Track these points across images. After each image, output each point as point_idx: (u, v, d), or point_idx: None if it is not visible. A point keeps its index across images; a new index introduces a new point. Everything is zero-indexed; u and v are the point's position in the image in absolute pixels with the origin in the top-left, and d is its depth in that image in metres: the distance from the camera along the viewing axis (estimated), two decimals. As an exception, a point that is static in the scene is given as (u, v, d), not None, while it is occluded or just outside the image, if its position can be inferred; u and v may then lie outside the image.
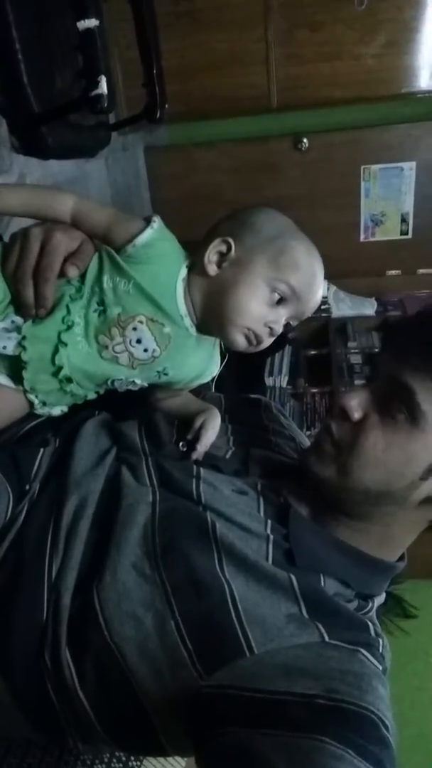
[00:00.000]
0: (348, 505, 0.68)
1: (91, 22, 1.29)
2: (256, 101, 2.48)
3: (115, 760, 0.82)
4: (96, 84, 1.33)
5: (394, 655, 0.66)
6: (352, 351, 2.87)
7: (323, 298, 0.79)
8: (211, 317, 0.70)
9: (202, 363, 0.76)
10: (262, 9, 2.33)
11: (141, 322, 0.68)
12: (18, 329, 0.66)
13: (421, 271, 2.93)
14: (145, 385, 0.74)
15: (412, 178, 2.77)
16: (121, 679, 0.58)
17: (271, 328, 0.70)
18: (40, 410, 0.71)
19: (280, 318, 0.70)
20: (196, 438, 0.77)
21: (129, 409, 0.83)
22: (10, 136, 1.57)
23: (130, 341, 0.68)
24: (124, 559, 0.61)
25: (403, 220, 2.86)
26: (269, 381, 2.74)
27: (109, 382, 0.71)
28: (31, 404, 0.70)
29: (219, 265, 0.70)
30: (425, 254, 2.88)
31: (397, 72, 2.41)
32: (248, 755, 0.48)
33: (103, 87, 1.33)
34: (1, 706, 0.62)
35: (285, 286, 0.68)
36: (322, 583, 0.65)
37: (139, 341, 0.68)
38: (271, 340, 0.71)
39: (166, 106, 1.78)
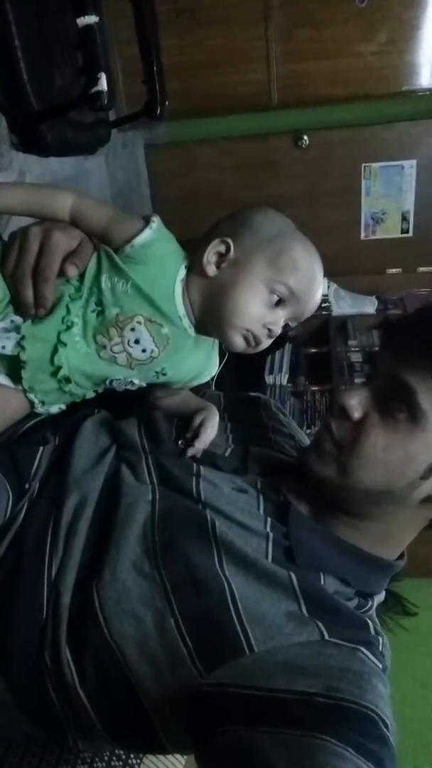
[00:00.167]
0: (348, 504, 0.68)
1: (91, 19, 1.29)
2: (256, 98, 2.48)
3: (115, 759, 0.82)
4: (96, 81, 1.33)
5: (394, 653, 0.66)
6: (353, 349, 2.87)
7: (323, 296, 0.79)
8: (210, 318, 0.70)
9: (201, 363, 0.76)
10: (263, 6, 2.33)
11: (139, 322, 0.67)
12: (17, 329, 0.66)
13: (422, 269, 2.93)
14: (144, 385, 0.73)
15: (412, 176, 2.77)
16: (121, 677, 0.58)
17: (269, 330, 0.70)
18: (39, 409, 0.71)
19: (278, 319, 0.70)
20: (196, 436, 0.77)
21: (128, 408, 0.83)
22: (9, 134, 1.57)
23: (129, 342, 0.68)
24: (124, 557, 0.61)
25: (404, 218, 2.86)
26: (269, 379, 2.74)
27: (107, 382, 0.71)
28: (31, 404, 0.70)
29: (218, 265, 0.69)
30: (426, 252, 2.88)
31: (398, 70, 2.41)
32: (248, 753, 0.48)
33: (103, 84, 1.33)
34: (1, 705, 0.62)
35: (284, 287, 0.68)
36: (322, 582, 0.65)
37: (137, 342, 0.68)
38: (270, 341, 0.71)
39: (166, 103, 1.77)
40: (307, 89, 2.45)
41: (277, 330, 0.70)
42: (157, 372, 0.71)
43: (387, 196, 2.82)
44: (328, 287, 2.95)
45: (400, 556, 0.73)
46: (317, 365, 2.87)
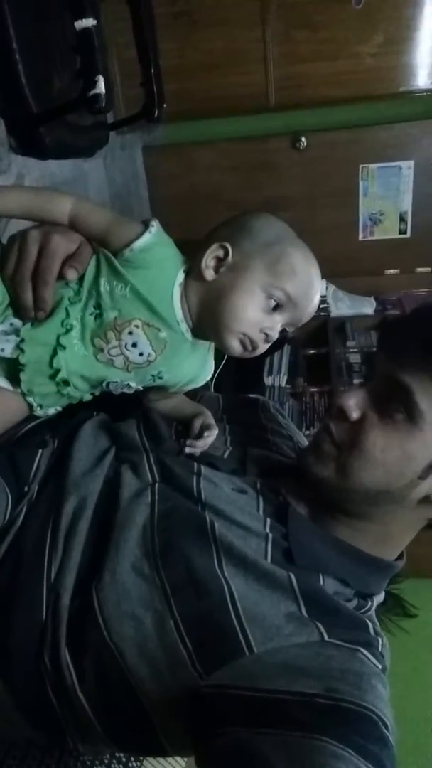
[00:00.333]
0: (347, 505, 0.68)
1: (89, 22, 1.29)
2: (254, 100, 2.48)
3: (114, 761, 0.82)
4: (94, 84, 1.33)
5: (394, 653, 0.66)
6: (351, 350, 2.87)
7: (322, 296, 0.79)
8: (208, 322, 0.70)
9: (197, 368, 0.76)
10: (260, 8, 2.33)
11: (137, 326, 0.68)
12: (16, 332, 0.66)
13: (420, 269, 2.94)
14: (140, 388, 0.74)
15: (410, 177, 2.77)
16: (121, 679, 0.58)
17: (266, 334, 0.70)
18: (38, 412, 0.71)
19: (275, 324, 0.70)
20: (198, 437, 0.77)
21: (126, 410, 0.83)
22: (8, 136, 1.57)
23: (126, 345, 0.68)
24: (124, 559, 0.61)
25: (402, 219, 2.86)
26: (268, 380, 2.74)
27: (104, 385, 0.71)
28: (30, 406, 0.70)
29: (216, 270, 0.70)
30: (424, 253, 2.89)
31: (396, 71, 2.42)
32: (248, 755, 0.48)
33: (101, 87, 1.33)
34: (0, 706, 0.62)
35: (281, 292, 0.68)
36: (321, 582, 0.65)
37: (134, 345, 0.68)
38: (267, 346, 0.72)
39: (164, 105, 1.78)
40: (304, 91, 2.46)
41: (274, 335, 0.71)
42: (153, 375, 0.72)
43: (385, 197, 2.82)
44: (327, 288, 2.95)
45: (400, 557, 0.73)
46: (316, 366, 2.88)
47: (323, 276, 0.73)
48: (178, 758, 0.93)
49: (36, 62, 1.44)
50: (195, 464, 0.72)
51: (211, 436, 0.77)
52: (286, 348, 2.88)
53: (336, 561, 0.67)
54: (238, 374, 2.17)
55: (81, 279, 0.68)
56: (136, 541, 0.62)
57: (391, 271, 2.97)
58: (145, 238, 0.67)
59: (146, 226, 0.68)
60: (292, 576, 0.62)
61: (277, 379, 2.76)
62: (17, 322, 0.67)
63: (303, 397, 2.79)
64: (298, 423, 2.62)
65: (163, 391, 0.78)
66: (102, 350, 0.68)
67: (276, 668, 0.55)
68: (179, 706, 0.56)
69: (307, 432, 2.49)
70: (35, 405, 0.69)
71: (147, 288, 0.67)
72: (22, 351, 0.65)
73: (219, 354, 0.78)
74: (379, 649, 0.62)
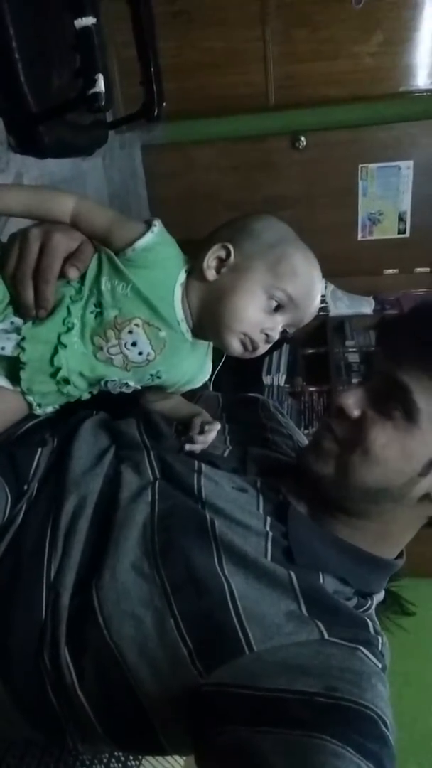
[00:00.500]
0: (347, 503, 0.68)
1: (89, 21, 1.29)
2: (253, 100, 2.48)
3: (114, 760, 0.82)
4: (93, 82, 1.33)
5: (394, 652, 0.66)
6: (350, 350, 2.88)
7: (321, 296, 0.79)
8: (208, 322, 0.70)
9: (195, 368, 0.77)
10: (260, 7, 2.33)
11: (137, 325, 0.68)
12: (17, 330, 0.66)
13: (419, 269, 2.94)
14: (138, 387, 0.74)
15: (409, 177, 2.78)
16: (121, 678, 0.58)
17: (267, 335, 0.70)
18: (38, 411, 0.71)
19: (276, 325, 0.70)
20: (200, 433, 0.77)
21: (125, 409, 0.83)
22: (7, 135, 1.57)
23: (126, 344, 0.68)
24: (124, 558, 0.61)
25: (401, 218, 2.86)
26: (267, 380, 2.75)
27: (102, 383, 0.71)
28: (29, 405, 0.70)
29: (218, 270, 0.70)
30: (422, 253, 2.89)
31: (395, 71, 2.42)
32: (248, 753, 0.48)
33: (101, 85, 1.33)
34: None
35: (282, 293, 0.69)
36: (321, 581, 0.65)
37: (134, 344, 0.68)
38: (267, 346, 0.72)
39: (164, 104, 1.78)
40: (304, 90, 2.46)
41: (275, 336, 0.71)
42: (152, 375, 0.72)
43: (384, 197, 2.82)
44: (326, 288, 2.95)
45: (399, 555, 0.73)
46: (315, 366, 2.88)
47: (322, 275, 0.73)
48: (178, 757, 0.93)
49: (35, 61, 1.44)
50: (195, 462, 0.72)
51: (212, 432, 0.77)
52: (285, 347, 2.88)
53: (336, 560, 0.67)
54: (237, 373, 2.17)
55: (82, 277, 0.68)
56: (136, 540, 0.62)
57: (390, 270, 2.97)
58: (148, 238, 0.67)
59: (149, 225, 0.68)
60: (293, 574, 0.62)
61: (276, 378, 2.76)
62: (18, 320, 0.67)
63: (302, 396, 2.79)
64: (297, 422, 2.62)
65: (161, 391, 0.78)
66: (101, 348, 0.68)
67: (276, 667, 0.55)
68: (179, 705, 0.56)
69: (306, 431, 2.49)
70: (35, 404, 0.69)
71: (148, 287, 0.67)
72: (23, 349, 0.65)
73: (218, 353, 0.78)
74: (379, 648, 0.62)
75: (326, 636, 0.59)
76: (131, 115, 1.87)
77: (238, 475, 0.74)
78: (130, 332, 0.68)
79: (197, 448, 0.76)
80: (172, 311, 0.69)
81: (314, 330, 2.93)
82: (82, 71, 1.37)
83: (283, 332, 0.72)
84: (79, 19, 1.30)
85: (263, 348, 0.72)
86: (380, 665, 0.60)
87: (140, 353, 0.69)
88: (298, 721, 0.50)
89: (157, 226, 0.68)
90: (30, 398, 0.68)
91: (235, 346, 0.70)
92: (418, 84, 2.44)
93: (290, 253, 0.69)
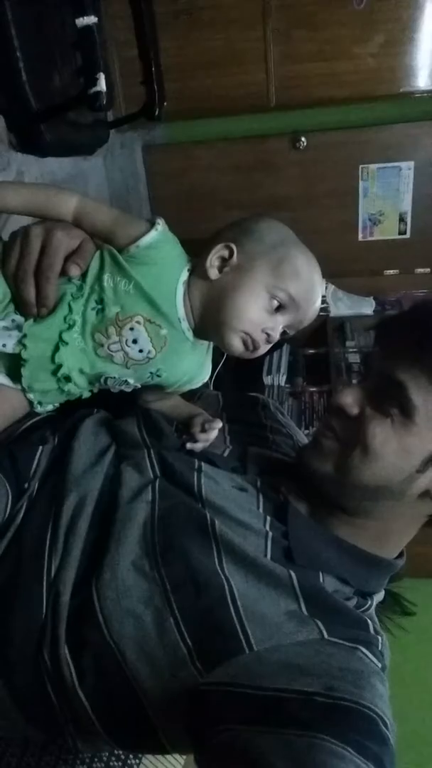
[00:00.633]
0: (346, 501, 0.69)
1: (90, 20, 1.29)
2: (254, 100, 2.48)
3: (114, 759, 0.82)
4: (94, 81, 1.33)
5: (394, 652, 0.66)
6: (351, 350, 2.87)
7: (321, 297, 0.79)
8: (210, 321, 0.71)
9: (195, 368, 0.77)
10: (261, 8, 2.33)
11: (139, 322, 0.68)
12: (19, 327, 0.66)
13: (419, 270, 2.94)
14: (138, 385, 0.74)
15: (410, 178, 2.77)
16: (120, 677, 0.58)
17: (268, 335, 0.70)
18: (38, 409, 0.71)
19: (277, 325, 0.71)
20: (202, 432, 0.77)
21: (125, 409, 0.83)
22: (8, 134, 1.57)
23: (127, 341, 0.68)
24: (124, 557, 0.61)
25: (402, 219, 2.86)
26: (268, 380, 2.74)
27: (102, 380, 0.71)
28: (30, 404, 0.70)
29: (220, 269, 0.70)
30: (423, 253, 2.88)
31: (396, 71, 2.41)
32: (247, 753, 0.48)
33: (102, 84, 1.33)
34: (-1, 704, 0.62)
35: (284, 294, 0.69)
36: (321, 581, 0.65)
37: (135, 341, 0.68)
38: (268, 347, 0.72)
39: (165, 104, 1.78)
40: (305, 91, 2.45)
41: (275, 336, 0.71)
42: (152, 373, 0.72)
43: (384, 198, 2.82)
44: (326, 288, 2.95)
45: (400, 555, 0.73)
46: (315, 366, 2.88)
47: (323, 276, 0.74)
48: (177, 756, 0.93)
49: (37, 60, 1.44)
50: (195, 461, 0.72)
51: (214, 431, 0.77)
52: (286, 347, 2.88)
53: (336, 559, 0.67)
54: (238, 373, 2.17)
55: (83, 275, 0.68)
56: (136, 539, 0.62)
57: (391, 271, 2.97)
58: (152, 235, 0.67)
59: (152, 223, 0.68)
60: (293, 573, 0.62)
61: (277, 378, 2.76)
62: (19, 318, 0.67)
63: (302, 396, 2.79)
64: (297, 422, 2.61)
65: (160, 390, 0.78)
66: (102, 345, 0.68)
67: (275, 666, 0.55)
68: (178, 704, 0.56)
69: (307, 431, 2.49)
70: (35, 402, 0.69)
71: (151, 284, 0.67)
72: (25, 346, 0.65)
73: (218, 353, 0.78)
74: (379, 648, 0.62)
75: (326, 636, 0.59)
76: (132, 115, 1.87)
77: (237, 474, 0.74)
78: (132, 329, 0.68)
79: (198, 446, 0.76)
80: (173, 309, 0.69)
81: (315, 330, 2.93)
82: (84, 70, 1.37)
83: (283, 333, 0.73)
84: (81, 18, 1.30)
85: (264, 348, 0.72)
86: (380, 665, 0.60)
87: (141, 350, 0.69)
88: (297, 721, 0.50)
89: (161, 224, 0.68)
90: (30, 396, 0.68)
91: (236, 345, 0.70)
92: (419, 85, 2.44)
93: (293, 254, 0.70)
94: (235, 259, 0.69)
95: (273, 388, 2.73)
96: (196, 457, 0.73)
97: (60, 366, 0.66)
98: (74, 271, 0.66)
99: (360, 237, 2.92)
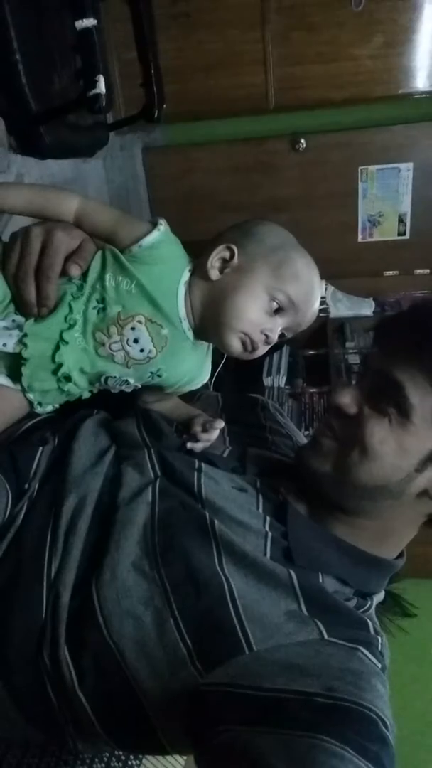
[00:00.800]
0: (345, 501, 0.69)
1: (89, 22, 1.30)
2: (253, 102, 2.48)
3: (114, 760, 0.82)
4: (94, 84, 1.33)
5: (393, 653, 0.66)
6: (350, 351, 2.87)
7: (321, 298, 0.80)
8: (210, 321, 0.71)
9: (195, 369, 0.77)
10: (260, 10, 2.33)
11: (140, 322, 0.68)
12: (19, 327, 0.67)
13: (419, 271, 2.94)
14: (138, 385, 0.74)
15: (409, 179, 2.78)
16: (120, 677, 0.58)
17: (266, 336, 0.71)
18: (38, 410, 0.71)
19: (276, 326, 0.71)
20: (203, 431, 0.78)
21: (125, 410, 0.83)
22: (8, 136, 1.57)
23: (128, 340, 0.69)
24: (124, 558, 0.61)
25: (401, 220, 2.87)
26: (267, 381, 2.74)
27: (102, 380, 0.71)
28: (30, 404, 0.70)
29: (221, 270, 0.71)
30: (423, 254, 2.89)
31: (395, 73, 2.42)
32: (247, 753, 0.48)
33: (101, 87, 1.34)
34: (-1, 705, 0.62)
35: (284, 295, 0.69)
36: (321, 581, 0.65)
37: (136, 341, 0.69)
38: (266, 348, 0.72)
39: (164, 106, 1.78)
40: (304, 92, 2.46)
41: (274, 337, 0.71)
42: (152, 373, 0.72)
43: (384, 199, 2.82)
44: (326, 289, 2.95)
45: (400, 555, 0.73)
46: (315, 367, 2.88)
47: (322, 277, 0.74)
48: (178, 757, 0.93)
49: (36, 62, 1.44)
50: (196, 461, 0.72)
51: (216, 431, 0.78)
52: (286, 349, 2.88)
53: (335, 560, 0.67)
54: (238, 375, 2.17)
55: (84, 275, 0.68)
56: (136, 540, 0.62)
57: (390, 272, 2.97)
58: (154, 235, 0.68)
59: (154, 224, 0.69)
60: (293, 573, 0.62)
61: (277, 379, 2.76)
62: (19, 318, 0.67)
63: (302, 397, 2.79)
64: (297, 424, 2.61)
65: (160, 391, 0.78)
66: (103, 344, 0.68)
67: (275, 666, 0.55)
68: (178, 705, 0.56)
69: (307, 432, 2.48)
70: (35, 402, 0.70)
71: (153, 284, 0.68)
72: (25, 346, 0.66)
73: (218, 354, 0.79)
74: (379, 648, 0.62)
75: (326, 636, 0.59)
76: (132, 117, 1.88)
77: (237, 474, 0.74)
78: (133, 329, 0.68)
79: (199, 446, 0.76)
80: (175, 308, 0.70)
81: (314, 331, 2.93)
82: (83, 73, 1.37)
83: (281, 336, 0.73)
84: (80, 21, 1.30)
85: (262, 349, 0.72)
86: (380, 665, 0.60)
87: (142, 350, 0.69)
88: (297, 722, 0.50)
89: (163, 225, 0.69)
90: (30, 396, 0.69)
91: (235, 346, 0.71)
92: (418, 86, 2.44)
93: (293, 257, 0.71)
94: (235, 260, 0.70)
95: (273, 389, 2.73)
96: (196, 457, 0.74)
97: (60, 365, 0.67)
98: (75, 271, 0.67)
99: (359, 238, 2.92)
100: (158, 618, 0.58)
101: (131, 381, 0.72)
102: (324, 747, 0.47)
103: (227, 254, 0.70)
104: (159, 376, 0.73)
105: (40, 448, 0.72)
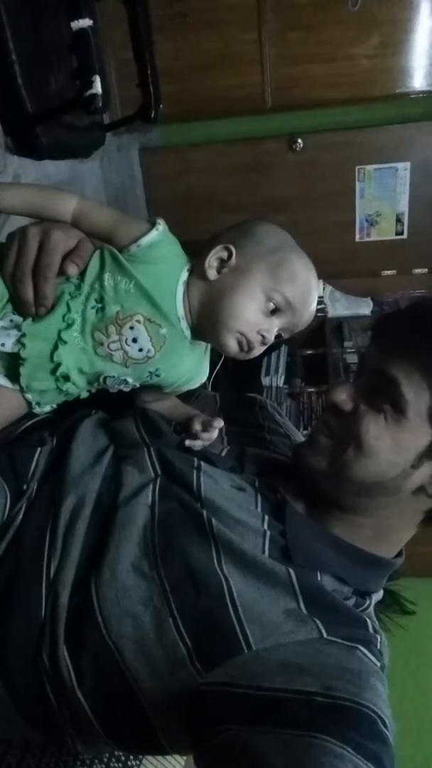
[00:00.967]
0: (342, 498, 0.69)
1: (85, 23, 1.29)
2: (250, 102, 2.48)
3: (114, 760, 0.82)
4: (90, 84, 1.33)
5: (393, 652, 0.66)
6: (348, 351, 2.88)
7: (319, 298, 0.80)
8: (207, 320, 0.71)
9: (194, 369, 0.77)
10: (256, 9, 2.33)
11: (138, 321, 0.68)
12: (17, 327, 0.67)
13: (416, 270, 2.94)
14: (137, 385, 0.74)
15: (406, 178, 2.78)
16: (119, 677, 0.58)
17: (263, 336, 0.71)
18: (37, 410, 0.71)
19: (272, 327, 0.71)
20: (203, 431, 0.78)
21: (124, 409, 0.83)
22: (4, 137, 1.57)
23: (126, 340, 0.69)
24: (124, 558, 0.61)
25: (398, 220, 2.87)
26: (266, 381, 2.75)
27: (101, 380, 0.71)
28: (29, 404, 0.70)
29: (219, 270, 0.71)
30: (420, 254, 2.89)
31: (391, 73, 2.42)
32: (246, 753, 0.48)
33: (98, 87, 1.33)
34: (-1, 706, 0.61)
35: (281, 296, 0.70)
36: (319, 580, 0.65)
37: (134, 340, 0.69)
38: (262, 349, 0.73)
39: (161, 106, 1.78)
40: (301, 92, 2.46)
41: (270, 338, 0.72)
42: (151, 372, 0.72)
43: (381, 198, 2.83)
44: (324, 289, 2.95)
45: (399, 554, 0.73)
46: (313, 367, 2.88)
47: (320, 277, 0.74)
48: (178, 757, 0.93)
49: (32, 62, 1.44)
50: (195, 459, 0.72)
51: (215, 430, 0.78)
52: (284, 348, 2.88)
53: (334, 558, 0.67)
54: (236, 374, 2.17)
55: (82, 274, 0.68)
56: (136, 541, 0.62)
57: (388, 272, 2.97)
58: (153, 235, 0.68)
59: (153, 224, 0.69)
60: (291, 572, 0.62)
61: (275, 379, 2.76)
62: (17, 318, 0.67)
63: (300, 397, 2.79)
64: (295, 423, 2.61)
65: (158, 391, 0.78)
66: (102, 344, 0.69)
67: (274, 666, 0.55)
68: (178, 705, 0.56)
69: (305, 432, 2.49)
70: (33, 402, 0.70)
71: (151, 283, 0.68)
72: (23, 345, 0.66)
73: (216, 354, 0.79)
74: (378, 647, 0.62)
75: (325, 635, 0.59)
76: (128, 117, 1.87)
77: (235, 474, 0.74)
78: (131, 328, 0.68)
79: (198, 444, 0.76)
80: (173, 308, 0.70)
81: (312, 331, 2.93)
82: (79, 73, 1.37)
83: (278, 337, 0.73)
84: (76, 21, 1.30)
85: (258, 350, 0.72)
86: (379, 664, 0.60)
87: (140, 350, 0.69)
88: (296, 721, 0.50)
89: (162, 224, 0.69)
90: (29, 396, 0.69)
91: (232, 345, 0.71)
92: (415, 85, 2.45)
93: (291, 258, 0.71)
94: (233, 260, 0.70)
95: (271, 388, 2.73)
96: (195, 455, 0.74)
97: (59, 365, 0.67)
98: (72, 270, 0.67)
99: (357, 238, 2.92)
100: (157, 618, 0.58)
101: (130, 380, 0.72)
102: (323, 746, 0.47)
103: (225, 254, 0.71)
104: (157, 375, 0.73)
105: (39, 449, 0.72)
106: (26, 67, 1.42)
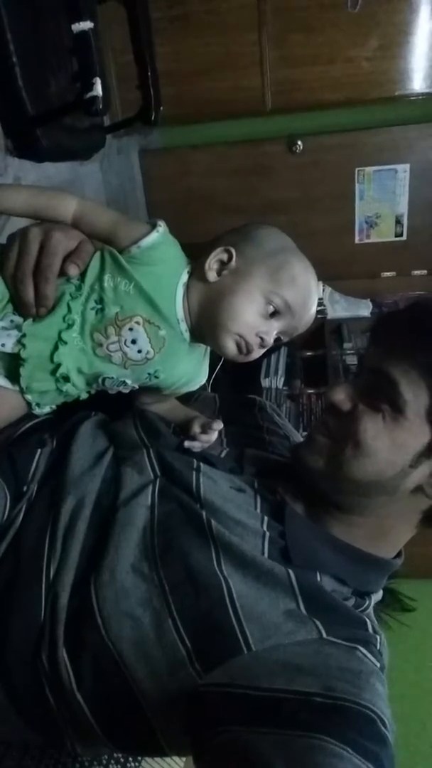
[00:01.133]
0: (341, 498, 0.69)
1: (86, 25, 1.30)
2: (250, 104, 2.48)
3: (113, 762, 0.82)
4: (91, 86, 1.33)
5: (393, 652, 0.66)
6: (348, 352, 2.88)
7: (318, 299, 0.80)
8: (206, 322, 0.71)
9: (193, 370, 0.77)
10: (256, 12, 2.34)
11: (138, 322, 0.68)
12: (17, 327, 0.67)
13: (416, 272, 2.94)
14: (136, 386, 0.74)
15: (406, 180, 2.78)
16: (119, 679, 0.58)
17: (262, 339, 0.71)
18: (36, 411, 0.72)
19: (271, 330, 0.71)
20: (203, 432, 0.78)
21: (123, 410, 0.83)
22: (4, 139, 1.57)
23: (125, 341, 0.69)
24: (123, 559, 0.61)
25: (398, 221, 2.87)
26: (265, 382, 2.74)
27: (100, 381, 0.71)
28: (29, 405, 0.70)
29: (219, 272, 0.71)
30: (420, 255, 2.89)
31: (391, 75, 2.42)
32: (246, 754, 0.48)
33: (98, 89, 1.34)
34: (-2, 708, 0.61)
35: (280, 299, 0.70)
36: (319, 580, 0.65)
37: (134, 342, 0.69)
38: (261, 351, 0.73)
39: (161, 108, 1.78)
40: (300, 94, 2.46)
41: (269, 341, 0.72)
42: (150, 374, 0.72)
43: (381, 200, 2.83)
44: (323, 291, 2.95)
45: (398, 555, 0.73)
46: (313, 368, 2.88)
47: (320, 278, 0.74)
48: (177, 758, 0.93)
49: (33, 65, 1.44)
50: (194, 460, 0.72)
51: (215, 432, 0.78)
52: (283, 350, 2.88)
53: (333, 559, 0.67)
54: (235, 376, 2.17)
55: (82, 275, 0.69)
56: (135, 543, 0.63)
57: (388, 273, 2.97)
58: (153, 237, 0.68)
59: (153, 225, 0.69)
60: (291, 572, 0.62)
61: (274, 381, 2.76)
62: (18, 318, 0.67)
63: (300, 398, 2.79)
64: (295, 425, 2.61)
65: (157, 392, 0.78)
66: (101, 345, 0.69)
67: (274, 666, 0.55)
68: (177, 705, 0.56)
69: (305, 433, 2.48)
70: (33, 403, 0.70)
71: (151, 285, 0.68)
72: (23, 346, 0.66)
73: (216, 355, 0.79)
74: (378, 647, 0.62)
75: (325, 635, 0.59)
76: (128, 119, 1.88)
77: (235, 475, 0.74)
78: (131, 329, 0.68)
79: (197, 445, 0.76)
80: (173, 309, 0.70)
81: (312, 333, 2.93)
82: (80, 75, 1.37)
83: (277, 340, 0.74)
84: (77, 24, 1.30)
85: (257, 352, 0.72)
86: (379, 664, 0.60)
87: (139, 351, 0.69)
88: (296, 722, 0.50)
89: (162, 226, 0.70)
90: (29, 397, 0.69)
91: (230, 347, 0.71)
92: (414, 88, 2.45)
93: (291, 262, 0.71)
94: (233, 263, 0.70)
95: (271, 390, 2.73)
96: (194, 456, 0.74)
97: (59, 365, 0.67)
98: (73, 271, 0.67)
99: (357, 239, 2.92)
100: (157, 619, 0.58)
101: (129, 382, 0.72)
102: (323, 747, 0.47)
103: (225, 256, 0.71)
104: (156, 377, 0.73)
105: (39, 450, 0.72)
106: (27, 69, 1.42)
